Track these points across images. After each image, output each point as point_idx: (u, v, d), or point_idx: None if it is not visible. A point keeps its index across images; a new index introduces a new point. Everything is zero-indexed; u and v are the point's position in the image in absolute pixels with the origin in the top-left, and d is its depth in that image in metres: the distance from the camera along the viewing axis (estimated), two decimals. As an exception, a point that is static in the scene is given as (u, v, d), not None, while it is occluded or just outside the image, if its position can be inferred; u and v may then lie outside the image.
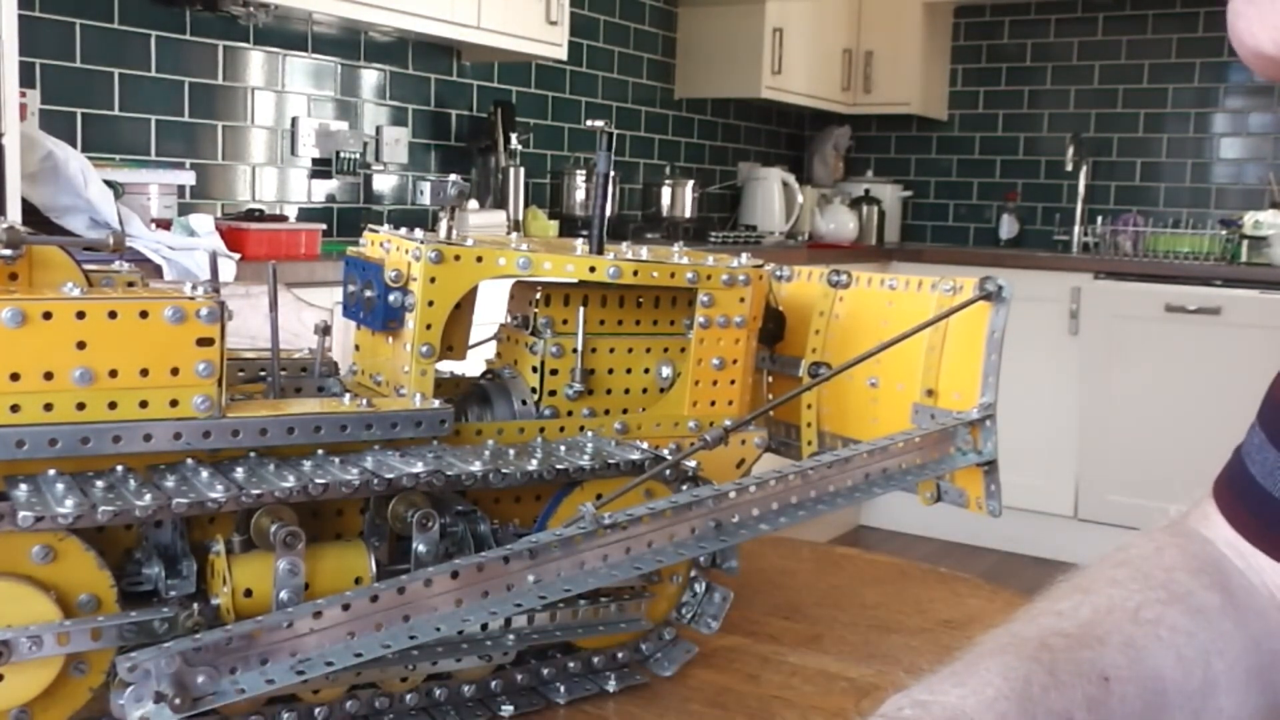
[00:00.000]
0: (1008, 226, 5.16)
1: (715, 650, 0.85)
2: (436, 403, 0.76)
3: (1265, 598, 0.66)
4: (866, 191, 5.23)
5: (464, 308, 0.83)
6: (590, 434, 0.83)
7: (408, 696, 0.72)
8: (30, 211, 2.28)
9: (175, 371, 0.65)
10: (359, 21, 3.18)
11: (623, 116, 4.48)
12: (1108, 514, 4.23)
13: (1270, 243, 4.38)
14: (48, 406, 0.62)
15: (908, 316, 0.89)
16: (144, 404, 0.65)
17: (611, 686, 0.77)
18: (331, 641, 0.63)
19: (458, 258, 0.79)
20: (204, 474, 0.66)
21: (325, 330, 0.85)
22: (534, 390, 0.85)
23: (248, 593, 0.65)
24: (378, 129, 3.54)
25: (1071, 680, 0.54)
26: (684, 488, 0.77)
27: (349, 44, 3.44)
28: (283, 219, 3.05)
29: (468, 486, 0.70)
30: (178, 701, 0.58)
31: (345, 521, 0.73)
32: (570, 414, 0.85)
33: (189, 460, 0.67)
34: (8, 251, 0.68)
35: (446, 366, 0.85)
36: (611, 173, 0.90)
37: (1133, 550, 0.67)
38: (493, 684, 0.74)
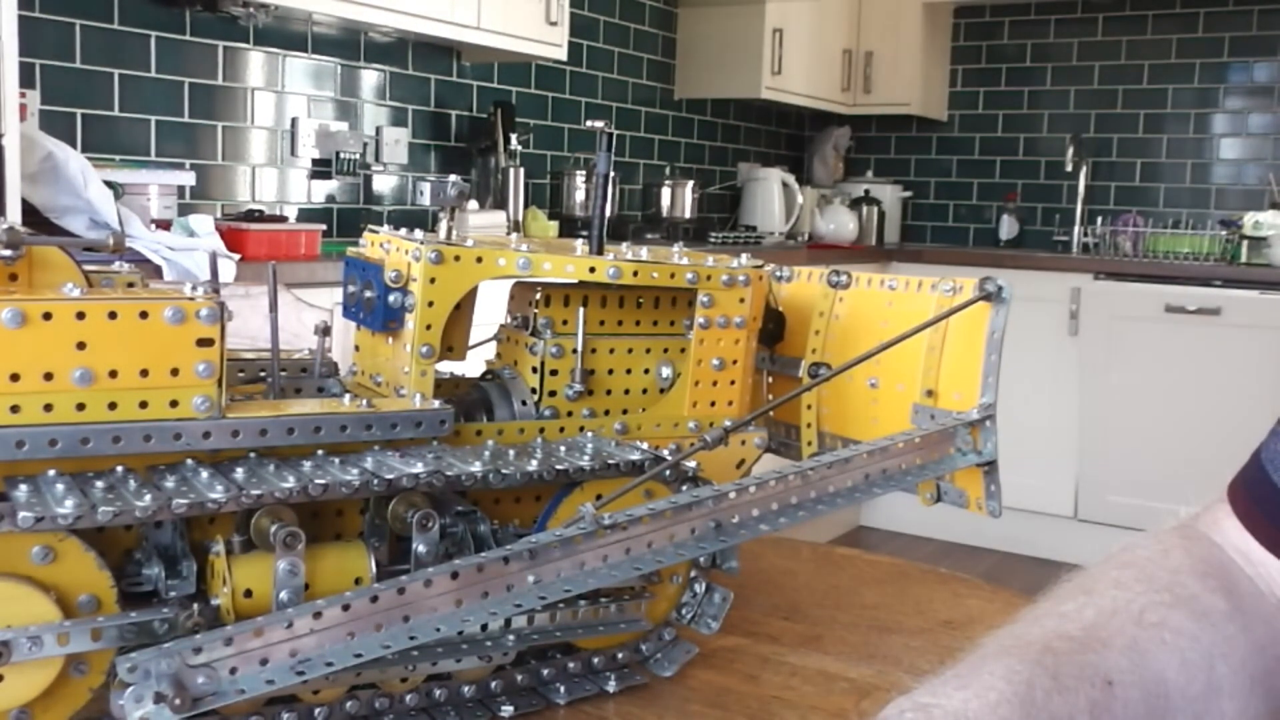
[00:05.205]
0: (1008, 227, 5.16)
1: (715, 650, 0.85)
2: (436, 403, 0.76)
3: (1272, 604, 0.65)
4: (866, 192, 5.23)
5: (464, 308, 0.83)
6: (590, 434, 0.83)
7: (408, 697, 0.72)
8: (30, 212, 2.28)
9: (175, 372, 0.65)
10: (359, 22, 3.17)
11: (623, 117, 4.48)
12: (1107, 514, 4.23)
13: (1270, 243, 4.37)
14: (47, 407, 0.62)
15: (908, 317, 0.89)
16: (144, 405, 0.65)
17: (611, 687, 0.77)
18: (331, 642, 0.63)
19: (458, 258, 0.79)
20: (204, 474, 0.66)
21: (325, 331, 0.85)
22: (534, 391, 0.85)
23: (248, 593, 0.65)
24: (378, 129, 3.54)
25: (1075, 685, 0.54)
26: (684, 488, 0.77)
27: (349, 44, 3.44)
28: (282, 219, 3.05)
29: (468, 487, 0.70)
30: (178, 702, 0.58)
31: (345, 522, 0.73)
32: (570, 414, 0.85)
33: (189, 461, 0.67)
34: (8, 252, 0.68)
35: (446, 367, 0.85)
36: (611, 173, 0.90)
37: (1139, 551, 0.66)
38: (493, 684, 0.74)
